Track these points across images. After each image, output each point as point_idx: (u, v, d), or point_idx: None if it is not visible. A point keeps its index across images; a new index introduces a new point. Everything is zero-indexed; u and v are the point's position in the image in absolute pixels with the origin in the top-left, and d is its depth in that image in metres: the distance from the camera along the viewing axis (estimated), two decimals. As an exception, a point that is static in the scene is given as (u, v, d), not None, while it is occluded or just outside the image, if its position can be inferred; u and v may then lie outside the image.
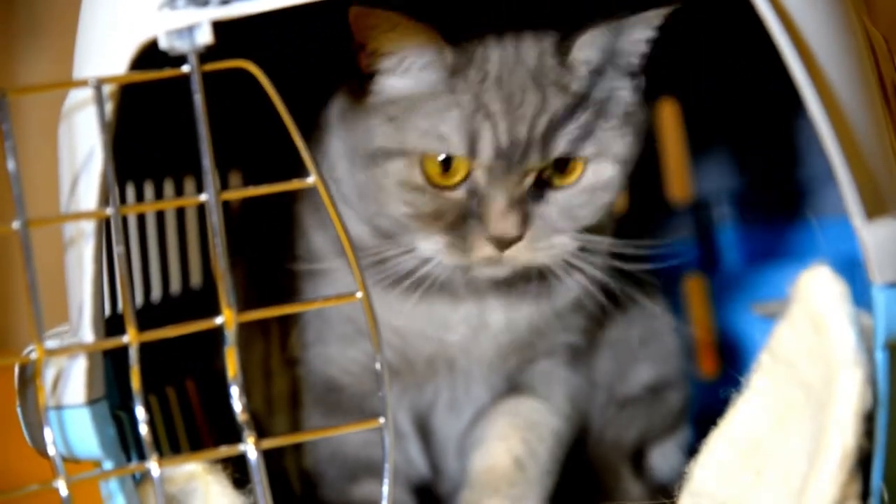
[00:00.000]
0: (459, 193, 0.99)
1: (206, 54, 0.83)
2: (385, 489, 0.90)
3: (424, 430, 1.16)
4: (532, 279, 1.07)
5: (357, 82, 1.02)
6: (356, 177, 1.03)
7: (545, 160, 0.98)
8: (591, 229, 1.02)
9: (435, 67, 0.98)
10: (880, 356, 0.85)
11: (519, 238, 0.98)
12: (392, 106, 0.99)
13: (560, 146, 0.98)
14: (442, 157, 0.98)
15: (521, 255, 0.99)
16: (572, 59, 0.98)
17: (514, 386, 1.15)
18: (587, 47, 0.98)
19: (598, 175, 1.00)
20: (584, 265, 1.02)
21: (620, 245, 1.04)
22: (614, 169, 1.00)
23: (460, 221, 0.99)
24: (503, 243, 0.98)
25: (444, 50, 0.97)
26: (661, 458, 1.27)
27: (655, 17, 0.98)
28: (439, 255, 1.00)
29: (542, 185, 0.99)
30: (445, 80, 0.98)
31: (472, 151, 0.97)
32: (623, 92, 1.01)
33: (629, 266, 1.04)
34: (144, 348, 0.85)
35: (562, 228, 1.00)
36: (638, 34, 0.99)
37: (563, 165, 0.99)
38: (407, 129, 0.98)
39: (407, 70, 0.99)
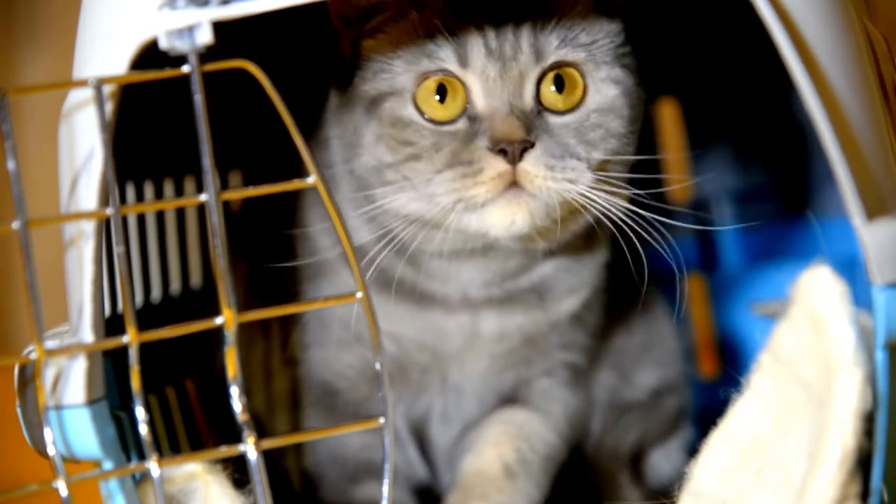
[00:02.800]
0: (459, 125, 0.97)
1: (206, 54, 0.83)
2: (385, 488, 0.90)
3: (421, 438, 1.16)
4: (524, 290, 1.07)
5: (345, 69, 1.02)
6: (351, 163, 1.02)
7: (539, 63, 0.97)
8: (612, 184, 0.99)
9: (417, 6, 0.98)
10: (880, 356, 0.85)
11: (529, 145, 0.95)
12: (380, 61, 0.99)
13: (550, 48, 0.97)
14: (434, 87, 0.97)
15: (536, 171, 0.95)
16: None
17: (511, 401, 1.14)
18: None
19: (604, 94, 0.99)
20: (604, 210, 0.98)
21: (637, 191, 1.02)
22: (615, 89, 1.00)
23: (465, 147, 0.96)
24: (513, 151, 0.94)
25: None
26: (664, 458, 1.27)
27: None
28: (453, 190, 0.96)
29: (547, 111, 0.98)
30: (427, 9, 0.98)
31: (462, 59, 0.97)
32: (608, 25, 1.01)
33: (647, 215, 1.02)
34: (144, 348, 0.85)
35: (577, 153, 0.97)
36: None
37: (561, 83, 0.98)
38: (395, 65, 0.98)
39: (393, 17, 0.99)
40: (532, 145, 0.95)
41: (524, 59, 0.97)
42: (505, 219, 0.96)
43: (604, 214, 0.98)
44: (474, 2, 0.98)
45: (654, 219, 1.00)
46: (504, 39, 0.96)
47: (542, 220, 0.97)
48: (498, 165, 0.95)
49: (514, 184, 0.95)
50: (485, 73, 0.96)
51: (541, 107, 0.98)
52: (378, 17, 1.01)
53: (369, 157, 1.00)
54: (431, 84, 0.98)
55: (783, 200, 1.47)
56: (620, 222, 0.99)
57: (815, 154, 1.38)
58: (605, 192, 0.98)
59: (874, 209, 0.84)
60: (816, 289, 0.85)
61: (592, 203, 0.97)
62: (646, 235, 1.00)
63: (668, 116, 1.50)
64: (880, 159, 0.87)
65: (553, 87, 0.98)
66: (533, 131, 0.95)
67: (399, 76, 0.98)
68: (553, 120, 0.98)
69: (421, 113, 0.98)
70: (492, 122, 0.96)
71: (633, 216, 1.00)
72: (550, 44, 0.97)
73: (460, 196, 0.96)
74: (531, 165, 0.95)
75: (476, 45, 0.96)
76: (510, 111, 0.95)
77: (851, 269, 0.89)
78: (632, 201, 1.01)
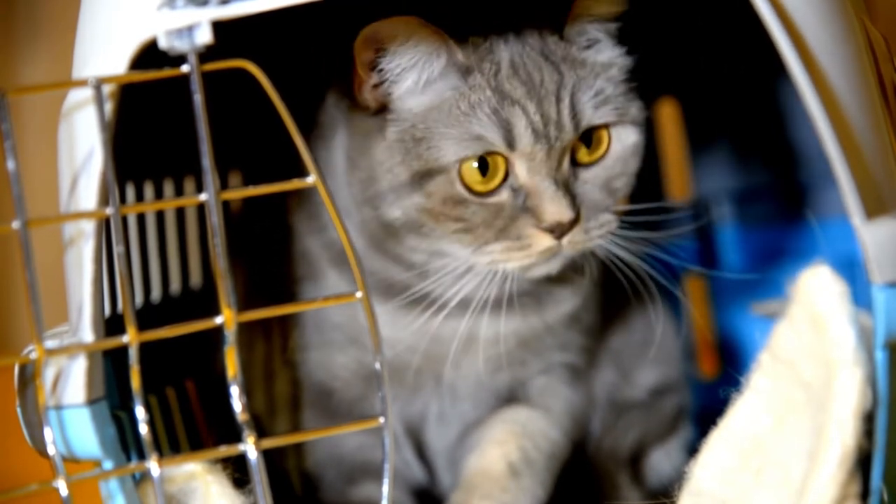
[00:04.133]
0: (503, 195, 0.98)
1: (206, 54, 0.83)
2: (385, 488, 0.90)
3: (418, 440, 1.16)
4: (522, 294, 1.07)
5: (361, 118, 1.01)
6: (363, 211, 1.02)
7: (577, 134, 0.98)
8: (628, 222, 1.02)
9: (451, 70, 0.98)
10: (880, 356, 0.85)
11: (575, 221, 0.98)
12: (415, 127, 0.99)
13: (586, 116, 0.98)
14: (476, 163, 0.97)
15: (578, 238, 0.98)
16: (568, 32, 1.00)
17: (511, 400, 1.14)
18: (577, 19, 0.99)
19: (624, 141, 1.01)
20: (623, 251, 1.02)
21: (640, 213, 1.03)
22: (636, 133, 1.01)
23: (512, 223, 0.98)
24: (561, 229, 0.97)
25: (455, 51, 0.97)
26: (664, 458, 1.26)
27: None
28: (499, 262, 0.99)
29: (576, 165, 1.00)
30: (463, 81, 0.98)
31: (510, 141, 0.97)
32: (620, 60, 1.02)
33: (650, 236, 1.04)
34: (144, 348, 0.85)
35: (605, 205, 1.00)
36: None
37: (589, 139, 1.00)
38: (438, 143, 0.98)
39: (425, 82, 0.98)
40: (576, 221, 0.98)
41: (567, 136, 0.98)
42: (542, 272, 1.01)
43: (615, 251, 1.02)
44: (506, 69, 0.97)
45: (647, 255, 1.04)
46: (548, 118, 0.97)
47: (570, 262, 1.02)
48: (546, 241, 0.98)
49: (559, 251, 0.99)
50: (530, 153, 0.97)
51: (574, 166, 1.00)
52: (409, 75, 0.98)
53: (402, 214, 1.00)
54: (474, 160, 0.98)
55: (783, 200, 1.47)
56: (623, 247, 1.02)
57: (815, 154, 1.38)
58: (624, 228, 1.01)
59: (874, 208, 0.84)
60: (816, 288, 0.85)
61: (617, 249, 1.01)
62: (639, 250, 1.03)
63: (668, 116, 1.50)
64: (880, 159, 0.87)
65: (583, 143, 1.00)
66: (575, 202, 0.98)
67: (445, 155, 0.98)
68: (584, 175, 1.00)
69: (467, 187, 0.98)
70: (539, 201, 0.97)
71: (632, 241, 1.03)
72: (587, 111, 0.98)
73: (507, 264, 0.99)
74: (574, 236, 0.98)
75: (521, 126, 0.97)
76: (558, 188, 0.97)
77: (851, 269, 0.89)
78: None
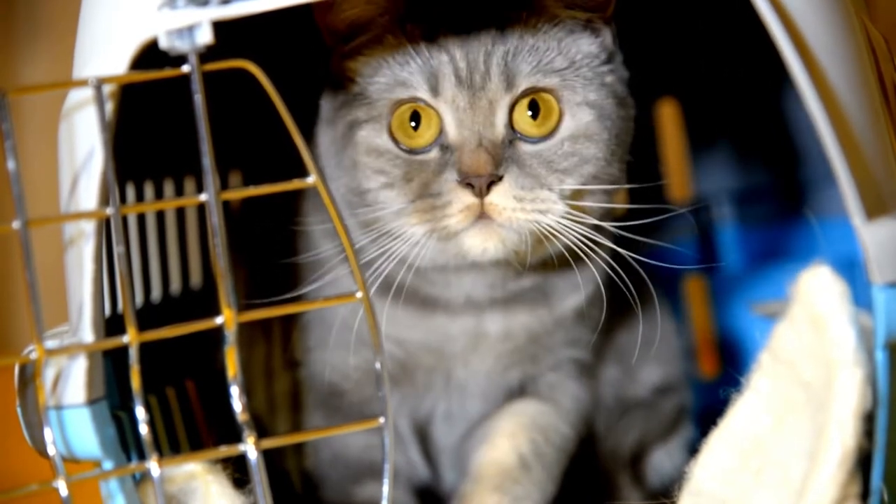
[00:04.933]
0: (432, 154, 0.98)
1: (206, 54, 0.83)
2: (385, 488, 0.90)
3: (424, 438, 1.16)
4: (528, 289, 1.07)
5: (333, 82, 1.03)
6: (340, 178, 1.03)
7: (510, 90, 0.97)
8: (592, 223, 1.00)
9: (395, 28, 0.99)
10: (880, 356, 0.85)
11: (496, 179, 0.95)
12: (359, 84, 1.00)
13: (522, 74, 0.98)
14: (409, 112, 0.98)
15: (505, 203, 0.96)
16: (535, 7, 1.00)
17: (520, 395, 1.14)
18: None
19: (577, 121, 0.99)
20: (580, 244, 0.99)
21: (619, 226, 1.02)
22: (591, 114, 0.99)
23: (435, 179, 0.97)
24: (480, 185, 0.95)
25: (402, 9, 0.99)
26: (666, 458, 1.26)
27: None
28: (422, 222, 0.97)
29: (520, 138, 0.98)
30: (403, 34, 0.99)
31: (434, 87, 0.97)
32: (587, 48, 1.01)
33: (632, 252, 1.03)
34: (144, 348, 0.85)
35: (549, 184, 0.98)
36: None
37: (536, 109, 0.99)
38: (372, 91, 0.99)
39: (369, 43, 1.00)
40: (500, 178, 0.96)
41: (493, 88, 0.97)
42: (477, 247, 0.98)
43: (576, 244, 0.99)
44: (450, 26, 0.98)
45: (631, 257, 1.02)
46: (474, 67, 0.97)
47: (515, 246, 0.98)
48: (465, 198, 0.96)
49: (483, 215, 0.96)
50: (455, 102, 0.97)
51: (514, 134, 0.98)
52: (359, 38, 1.01)
53: (349, 179, 1.01)
54: (406, 112, 0.98)
55: (783, 200, 1.47)
56: (595, 249, 1.00)
57: (815, 154, 1.38)
58: (580, 220, 0.98)
59: (874, 209, 0.84)
60: (816, 289, 0.85)
61: (562, 234, 0.98)
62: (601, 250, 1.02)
63: (668, 116, 1.50)
64: (880, 159, 0.87)
65: (529, 112, 0.98)
66: (502, 163, 0.96)
67: (375, 103, 0.99)
68: (525, 148, 0.98)
69: (396, 142, 0.99)
70: (461, 154, 0.96)
71: (610, 238, 1.02)
72: (522, 70, 0.98)
73: (432, 227, 0.97)
74: (498, 198, 0.96)
75: (447, 74, 0.97)
76: (479, 142, 0.96)
77: (851, 269, 0.89)
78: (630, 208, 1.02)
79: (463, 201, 0.96)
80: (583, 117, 0.99)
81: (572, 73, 1.00)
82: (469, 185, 0.95)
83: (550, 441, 1.13)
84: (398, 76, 0.98)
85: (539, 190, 0.97)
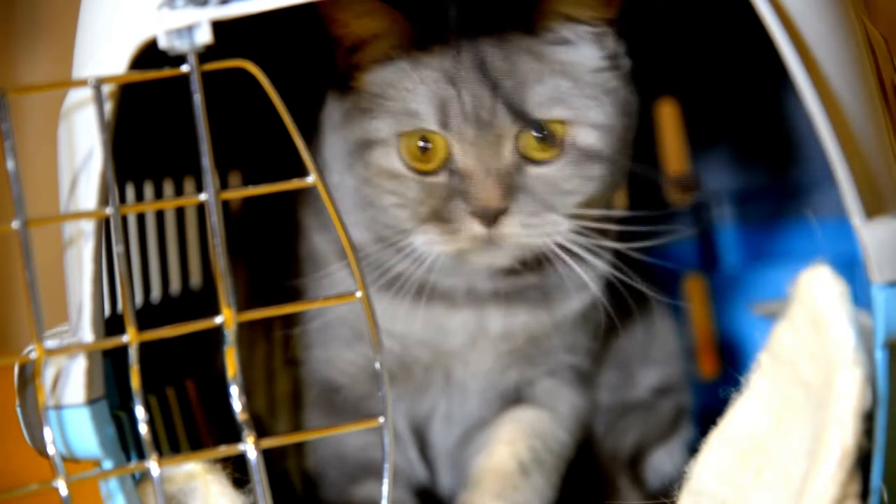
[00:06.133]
0: (441, 178, 0.99)
1: (206, 54, 0.83)
2: (385, 488, 0.90)
3: (422, 439, 1.16)
4: (530, 286, 1.07)
5: (340, 84, 1.03)
6: (346, 181, 1.03)
7: (518, 124, 0.98)
8: (595, 229, 1.01)
9: (403, 48, 0.99)
10: (880, 355, 0.85)
11: (504, 211, 0.97)
12: (367, 97, 1.00)
13: (529, 107, 0.98)
14: (418, 138, 0.98)
15: (512, 231, 0.97)
16: (537, 27, 0.99)
17: (517, 401, 1.14)
18: (546, 16, 0.99)
19: (581, 142, 0.99)
20: (585, 255, 1.01)
21: (620, 234, 1.03)
22: (595, 136, 1.00)
23: (445, 205, 0.98)
24: (488, 217, 0.96)
25: (408, 30, 0.98)
26: (666, 458, 1.26)
27: None
28: (432, 244, 0.99)
29: (525, 159, 0.99)
30: (413, 59, 0.99)
31: (443, 122, 0.97)
32: (594, 63, 1.01)
33: (633, 255, 1.04)
34: (144, 348, 0.85)
35: (554, 205, 0.99)
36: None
37: (543, 135, 0.99)
38: (381, 115, 0.99)
39: (376, 58, 1.00)
40: (507, 209, 0.97)
41: (500, 123, 0.97)
42: (483, 262, 1.01)
43: (580, 249, 1.01)
44: (454, 47, 0.98)
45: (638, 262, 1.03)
46: (480, 105, 0.97)
47: (522, 257, 1.01)
48: (475, 228, 0.97)
49: (491, 241, 0.98)
50: (462, 135, 0.97)
51: (521, 159, 0.99)
52: (366, 50, 1.01)
53: (353, 182, 1.02)
54: (415, 137, 0.99)
55: (783, 200, 1.47)
56: (596, 251, 1.02)
57: (815, 154, 1.38)
58: (582, 232, 1.00)
59: (873, 208, 0.84)
60: (816, 288, 0.85)
61: (566, 245, 1.00)
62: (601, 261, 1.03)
63: (668, 116, 1.50)
64: (880, 159, 0.87)
65: (535, 136, 0.99)
66: (510, 193, 0.97)
67: (383, 129, 0.99)
68: (532, 172, 0.99)
69: (406, 164, 0.99)
70: (470, 184, 0.97)
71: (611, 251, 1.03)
72: (529, 104, 0.98)
73: (441, 249, 0.99)
74: (507, 229, 0.97)
75: (454, 109, 0.97)
76: (487, 173, 0.97)
77: (851, 269, 0.89)
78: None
79: (472, 230, 0.97)
80: (587, 138, 1.00)
81: (578, 94, 0.99)
82: (478, 216, 0.97)
83: (549, 448, 1.13)
84: (407, 107, 0.98)
85: (546, 214, 0.99)
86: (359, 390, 1.13)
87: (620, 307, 1.11)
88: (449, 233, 0.98)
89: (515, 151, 0.98)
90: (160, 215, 1.19)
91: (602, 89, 1.01)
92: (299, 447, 1.17)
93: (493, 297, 1.07)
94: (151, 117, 1.14)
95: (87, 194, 0.86)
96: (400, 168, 0.99)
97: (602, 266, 1.04)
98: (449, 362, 1.10)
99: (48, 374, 0.87)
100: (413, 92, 0.98)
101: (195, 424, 1.19)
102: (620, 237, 1.05)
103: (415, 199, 0.99)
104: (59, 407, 0.87)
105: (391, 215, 1.00)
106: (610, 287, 1.10)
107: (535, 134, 0.98)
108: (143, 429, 0.85)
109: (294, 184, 0.87)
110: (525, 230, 0.98)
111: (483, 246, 0.98)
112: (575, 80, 1.00)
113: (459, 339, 1.08)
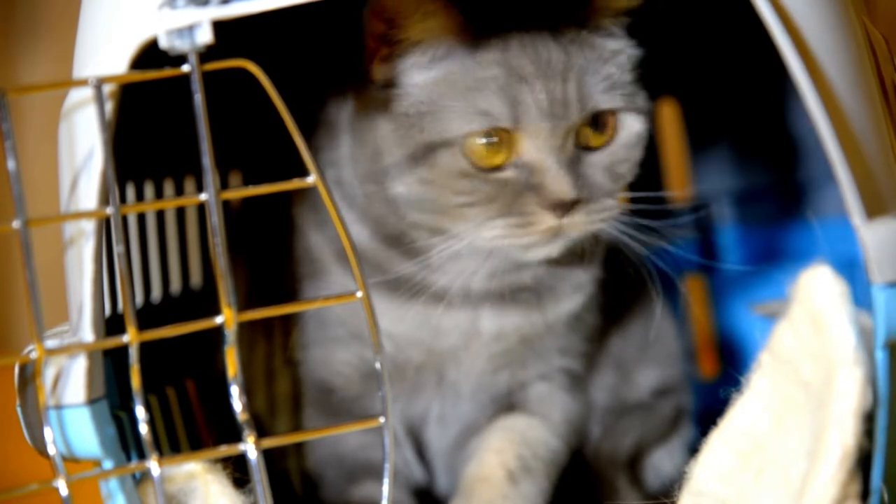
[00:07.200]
0: (509, 173, 0.98)
1: (206, 54, 0.83)
2: (385, 488, 0.90)
3: (418, 440, 1.16)
4: (523, 287, 1.07)
5: (368, 93, 1.01)
6: (366, 187, 1.02)
7: (583, 114, 0.98)
8: (636, 212, 1.02)
9: (459, 46, 0.98)
10: (880, 355, 0.85)
11: (577, 201, 0.98)
12: (422, 102, 0.99)
13: (593, 98, 0.99)
14: (483, 139, 0.97)
15: (580, 220, 0.98)
16: (584, 17, 1.00)
17: (509, 405, 1.14)
18: (596, 13, 1.00)
19: (630, 128, 1.01)
20: (636, 234, 1.02)
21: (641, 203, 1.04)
22: (641, 122, 1.02)
23: (516, 200, 0.98)
24: (564, 208, 0.97)
25: (464, 26, 0.97)
26: (667, 458, 1.26)
27: None
28: (503, 238, 0.99)
29: (582, 148, 1.00)
30: (471, 56, 0.98)
31: (516, 118, 0.97)
32: (629, 50, 1.03)
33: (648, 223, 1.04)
34: (144, 348, 0.85)
35: (608, 190, 1.00)
36: None
37: (596, 123, 1.00)
38: (444, 117, 0.98)
39: (433, 58, 0.99)
40: (578, 200, 0.98)
41: (571, 115, 0.98)
42: (542, 254, 1.01)
43: (621, 233, 1.02)
44: (518, 47, 0.98)
45: (649, 227, 1.03)
46: (553, 98, 0.97)
47: (569, 249, 1.02)
48: (549, 220, 0.98)
49: (560, 231, 0.99)
50: (536, 130, 0.97)
51: (580, 148, 1.00)
52: (418, 51, 0.99)
53: (405, 189, 1.00)
54: (481, 136, 0.98)
55: (783, 200, 1.47)
56: (626, 235, 1.02)
57: (815, 154, 1.38)
58: (625, 217, 1.02)
59: (874, 208, 0.84)
60: (816, 288, 0.85)
61: (621, 232, 1.01)
62: (644, 240, 1.03)
63: (668, 116, 1.50)
64: (880, 159, 0.87)
65: (590, 127, 1.00)
66: (579, 183, 0.98)
67: (450, 128, 0.98)
68: (590, 159, 1.00)
69: (470, 162, 0.98)
70: (543, 178, 0.97)
71: (637, 228, 1.03)
72: (593, 94, 0.99)
73: (510, 242, 0.99)
74: (578, 217, 0.98)
75: (527, 103, 0.97)
76: (559, 165, 0.97)
77: (851, 269, 0.89)
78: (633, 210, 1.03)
79: (547, 223, 0.98)
80: (633, 124, 1.02)
81: (622, 82, 1.01)
82: (553, 208, 0.97)
83: (538, 455, 1.13)
84: (477, 105, 0.97)
85: (604, 199, 1.00)
86: (353, 391, 1.13)
87: (616, 307, 1.12)
88: (520, 226, 0.98)
89: (576, 141, 0.99)
90: (161, 215, 1.20)
91: (634, 77, 1.02)
92: (299, 447, 1.17)
93: (486, 298, 1.07)
94: (152, 117, 1.14)
95: (88, 194, 0.86)
96: (470, 169, 0.98)
97: (639, 248, 1.04)
98: (442, 363, 1.10)
99: (49, 374, 0.87)
100: (479, 90, 0.97)
101: (195, 424, 1.19)
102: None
103: (484, 197, 0.98)
104: (59, 407, 0.87)
105: (453, 215, 0.99)
106: (605, 289, 1.10)
107: (593, 122, 0.99)
108: (144, 429, 0.85)
109: (294, 184, 0.87)
110: (589, 217, 0.99)
111: (550, 238, 0.99)
112: (621, 69, 1.01)
113: (452, 339, 1.08)
